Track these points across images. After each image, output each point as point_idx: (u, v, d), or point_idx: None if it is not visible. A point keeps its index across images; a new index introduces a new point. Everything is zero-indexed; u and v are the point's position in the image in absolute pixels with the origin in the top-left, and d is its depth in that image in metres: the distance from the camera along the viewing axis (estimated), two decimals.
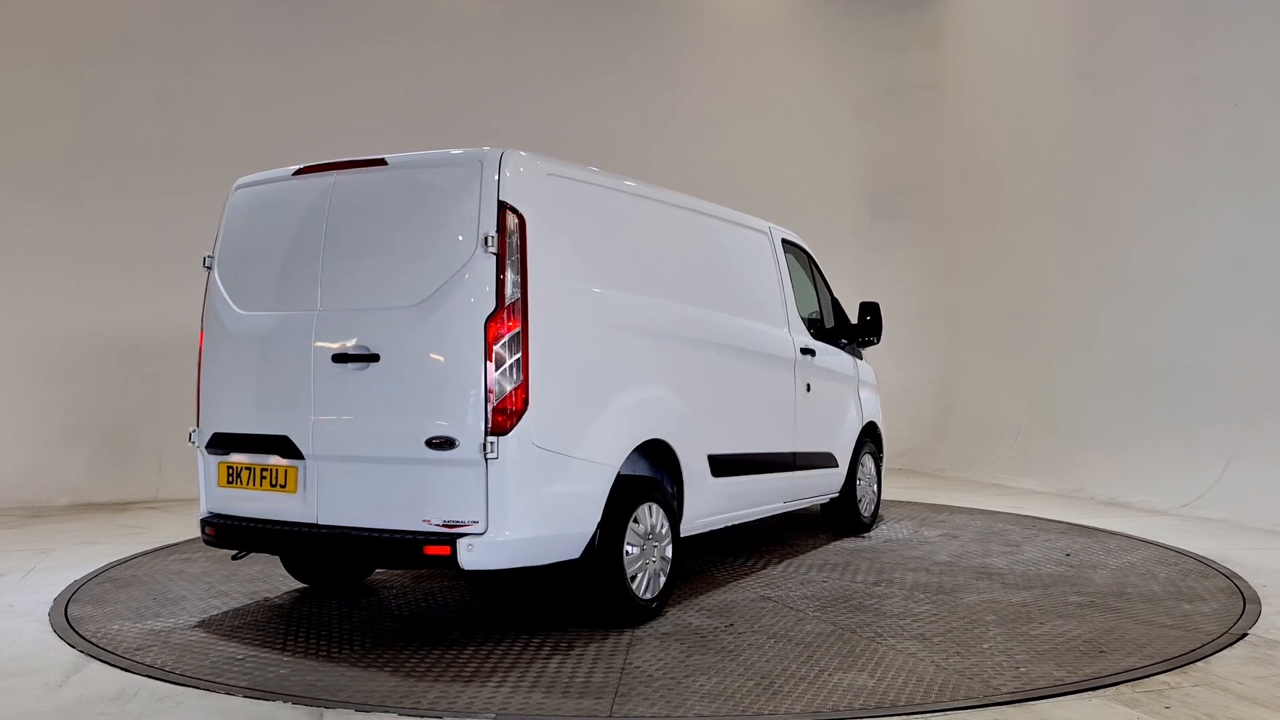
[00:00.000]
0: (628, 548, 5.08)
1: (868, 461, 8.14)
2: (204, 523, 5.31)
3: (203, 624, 5.35)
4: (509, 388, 4.52)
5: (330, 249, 4.99)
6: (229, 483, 5.20)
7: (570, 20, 12.06)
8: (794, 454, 6.92)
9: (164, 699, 4.19)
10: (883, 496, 8.82)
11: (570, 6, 12.06)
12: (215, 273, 5.41)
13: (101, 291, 9.96)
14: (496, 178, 4.68)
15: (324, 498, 4.87)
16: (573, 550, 4.86)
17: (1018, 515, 8.85)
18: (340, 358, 4.80)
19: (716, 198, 7.29)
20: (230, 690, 4.27)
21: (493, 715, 4.01)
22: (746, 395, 6.37)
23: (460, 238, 4.64)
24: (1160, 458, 9.75)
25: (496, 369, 4.52)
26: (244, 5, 10.70)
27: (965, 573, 6.44)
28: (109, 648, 4.89)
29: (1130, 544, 7.47)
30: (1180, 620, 5.25)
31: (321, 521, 4.87)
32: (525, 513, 4.57)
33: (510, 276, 4.57)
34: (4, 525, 8.46)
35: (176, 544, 7.53)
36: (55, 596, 5.93)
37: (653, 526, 5.26)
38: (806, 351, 7.07)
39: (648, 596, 5.22)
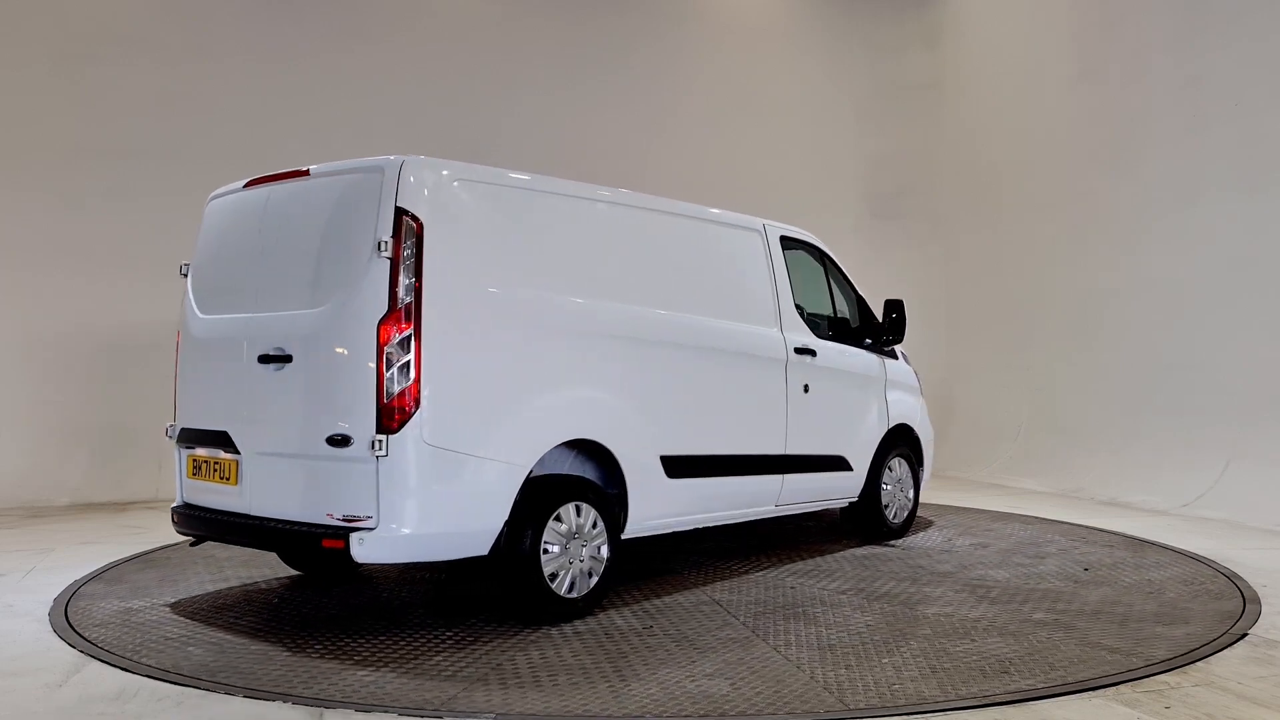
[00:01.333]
0: (546, 546, 5.17)
1: (898, 466, 7.85)
2: (173, 511, 5.72)
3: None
4: (399, 388, 4.69)
5: (263, 256, 5.35)
6: (194, 474, 5.60)
7: (570, 20, 12.06)
8: (786, 456, 6.77)
9: (164, 699, 4.19)
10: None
11: (570, 7, 12.06)
12: (189, 279, 5.84)
13: (101, 291, 9.96)
14: (396, 185, 4.85)
15: (254, 490, 5.20)
16: (479, 547, 4.99)
17: (1075, 526, 8.31)
18: (263, 358, 5.10)
19: (716, 197, 7.32)
20: (230, 690, 4.28)
21: (492, 715, 4.01)
22: (716, 395, 6.25)
23: (362, 243, 4.83)
24: (1160, 458, 9.75)
25: (388, 370, 4.69)
26: (244, 5, 10.70)
27: (952, 583, 6.23)
28: (109, 648, 4.89)
29: (1169, 559, 6.97)
30: (1132, 645, 4.87)
31: (252, 513, 5.20)
32: (417, 509, 4.74)
33: (403, 280, 4.75)
34: (4, 525, 8.46)
35: (176, 544, 7.53)
36: (55, 596, 5.93)
37: (579, 526, 5.33)
38: (804, 351, 6.89)
39: (571, 595, 5.30)
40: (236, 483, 5.28)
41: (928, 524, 8.47)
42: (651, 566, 6.79)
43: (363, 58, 11.08)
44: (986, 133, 12.66)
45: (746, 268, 6.77)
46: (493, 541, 5.02)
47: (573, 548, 5.32)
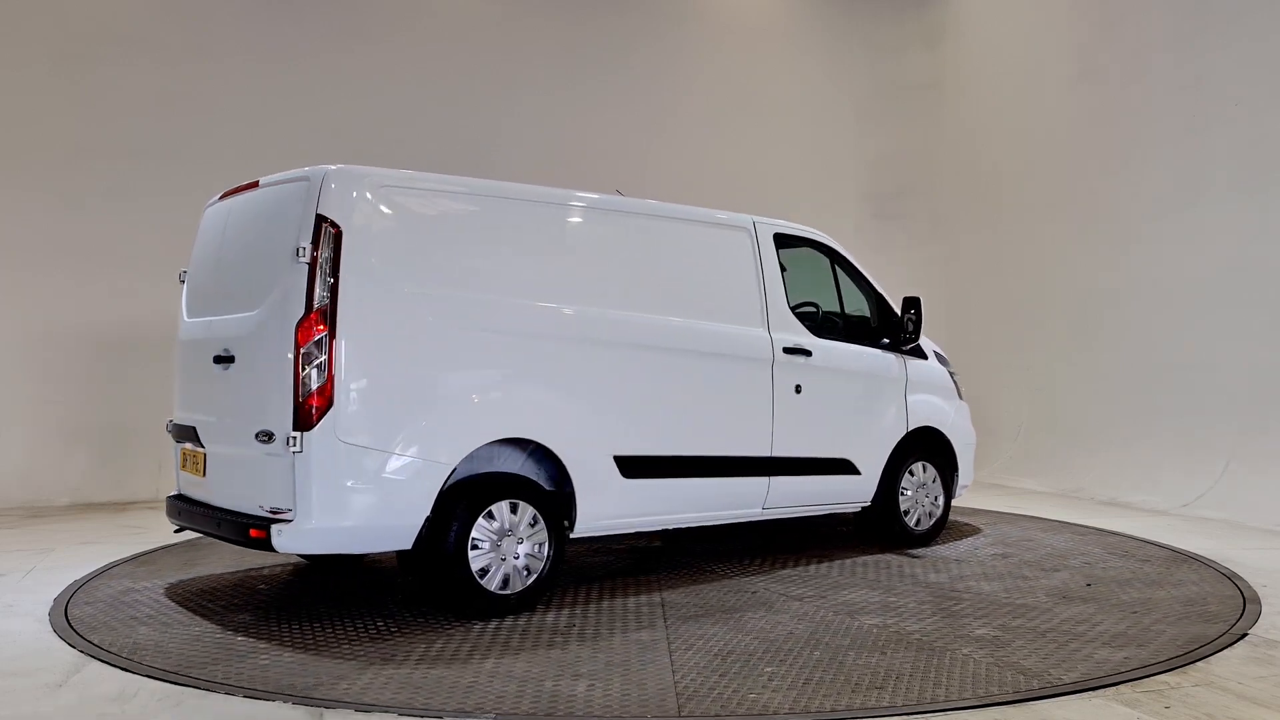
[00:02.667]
0: (476, 542, 5.29)
1: (921, 470, 7.54)
2: (167, 499, 6.06)
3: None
4: (313, 386, 4.92)
5: (224, 263, 5.80)
6: (183, 467, 6.01)
7: (570, 21, 12.05)
8: (772, 458, 6.63)
9: (164, 699, 4.20)
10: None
11: (570, 7, 12.06)
12: (185, 284, 6.22)
13: (102, 291, 9.95)
14: (318, 193, 5.11)
15: (215, 482, 5.59)
16: (401, 541, 5.19)
17: (1127, 538, 7.80)
18: (216, 359, 5.51)
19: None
20: (230, 690, 4.28)
21: (492, 715, 4.02)
22: (681, 395, 6.21)
23: (289, 250, 5.09)
24: (1160, 458, 9.75)
25: (304, 370, 4.94)
26: (244, 5, 10.70)
27: (926, 594, 5.99)
28: (109, 648, 4.89)
29: (1195, 578, 6.38)
30: (1049, 666, 4.56)
31: (213, 503, 5.57)
32: (331, 503, 4.96)
33: (320, 284, 4.99)
34: (4, 525, 8.47)
35: (176, 544, 7.53)
36: (55, 596, 5.93)
37: (513, 524, 5.43)
38: (795, 351, 6.73)
39: (504, 592, 5.40)
40: (204, 475, 5.67)
41: (973, 531, 8.15)
42: (632, 565, 6.79)
43: (362, 58, 11.07)
44: (987, 133, 12.66)
45: (727, 266, 6.65)
46: (414, 536, 5.17)
47: (505, 544, 5.41)
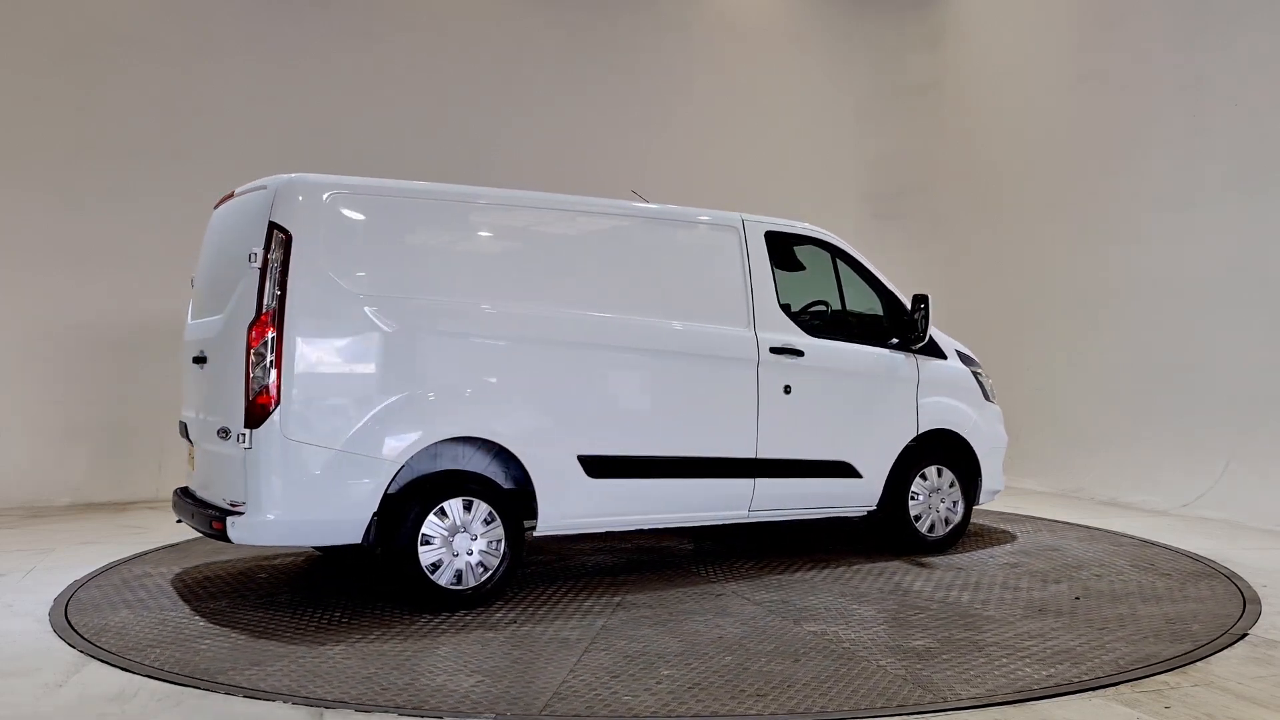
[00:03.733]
0: (427, 538, 5.45)
1: (936, 474, 7.27)
2: (174, 492, 6.22)
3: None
4: (261, 386, 5.16)
5: (211, 267, 6.07)
6: (187, 461, 6.21)
7: (572, 23, 12.05)
8: (758, 460, 6.52)
9: (164, 699, 4.20)
10: None
11: (572, 10, 12.05)
12: (194, 286, 6.41)
13: (102, 291, 9.95)
14: (273, 201, 5.37)
15: (198, 476, 5.93)
16: (349, 535, 5.39)
17: (1165, 549, 7.39)
18: (194, 359, 5.85)
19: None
20: (230, 690, 4.28)
21: (492, 716, 4.02)
22: (653, 396, 6.24)
23: (247, 254, 5.36)
24: (1160, 458, 9.75)
25: (253, 370, 5.19)
26: (245, 5, 10.70)
27: (894, 601, 5.85)
28: (109, 648, 4.90)
29: (1197, 594, 5.95)
30: (924, 678, 4.43)
31: (197, 496, 5.89)
32: (278, 497, 5.19)
33: (269, 288, 5.23)
34: (4, 525, 8.47)
35: (177, 544, 7.53)
36: (55, 596, 5.93)
37: (465, 521, 5.54)
38: (784, 351, 6.61)
39: (457, 587, 5.53)
40: (194, 470, 6.03)
41: (1005, 538, 7.85)
42: (623, 565, 6.80)
43: (365, 58, 11.07)
44: (987, 133, 12.66)
45: (709, 266, 6.61)
46: (362, 532, 5.38)
47: (457, 541, 5.53)
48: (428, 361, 5.54)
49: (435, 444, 5.51)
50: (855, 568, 6.81)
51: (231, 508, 5.30)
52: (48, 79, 9.90)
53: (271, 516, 5.20)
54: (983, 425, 7.54)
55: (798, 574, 6.61)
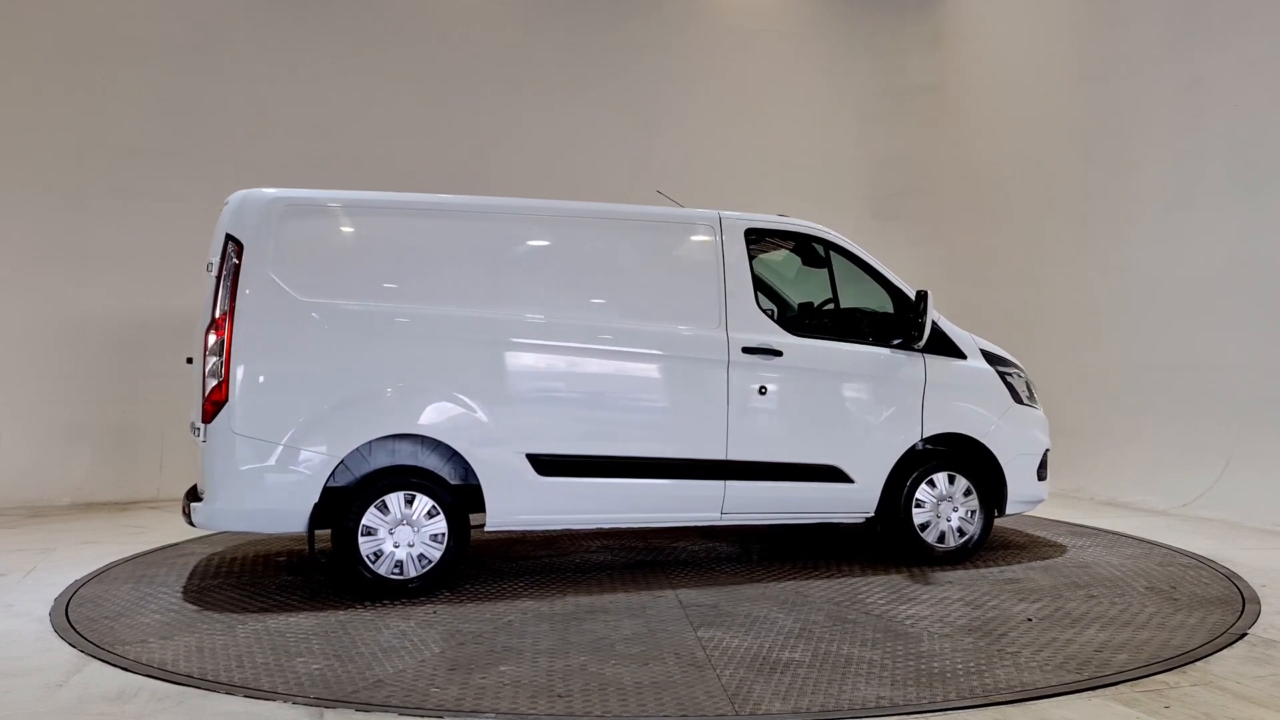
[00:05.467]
0: (369, 529, 5.78)
1: (946, 482, 6.85)
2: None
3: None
4: (213, 384, 5.63)
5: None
6: None
7: (574, 26, 12.05)
8: (728, 462, 6.36)
9: (164, 699, 4.20)
10: None
11: (574, 13, 12.06)
12: None
13: (104, 291, 9.96)
14: (230, 214, 5.84)
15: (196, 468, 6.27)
16: (293, 524, 5.77)
17: (1197, 559, 6.99)
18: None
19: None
20: (230, 690, 4.29)
21: (492, 715, 4.02)
22: (610, 395, 6.25)
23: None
24: (1160, 458, 9.75)
25: (208, 369, 5.66)
26: (247, 9, 10.71)
27: (820, 614, 5.52)
28: (109, 648, 4.90)
29: (1181, 621, 5.32)
30: (849, 689, 4.26)
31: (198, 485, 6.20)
32: (226, 487, 5.66)
33: (221, 295, 5.68)
34: (6, 524, 8.48)
35: (177, 543, 7.54)
36: (56, 596, 5.94)
37: (406, 514, 5.82)
38: (759, 351, 6.44)
39: (397, 576, 5.82)
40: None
41: (1054, 550, 7.31)
42: (601, 564, 6.80)
43: (367, 59, 11.08)
44: (987, 134, 12.67)
45: (680, 265, 6.56)
46: (305, 521, 5.74)
47: (399, 534, 5.80)
48: (366, 362, 5.83)
49: (374, 440, 5.82)
50: (847, 581, 6.38)
51: (200, 495, 5.84)
52: (49, 80, 9.91)
53: (222, 505, 5.67)
54: (1007, 429, 7.05)
55: (775, 585, 6.30)
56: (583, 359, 6.19)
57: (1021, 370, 7.45)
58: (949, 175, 13.27)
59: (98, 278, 9.95)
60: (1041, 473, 7.33)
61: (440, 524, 5.88)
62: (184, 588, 6.19)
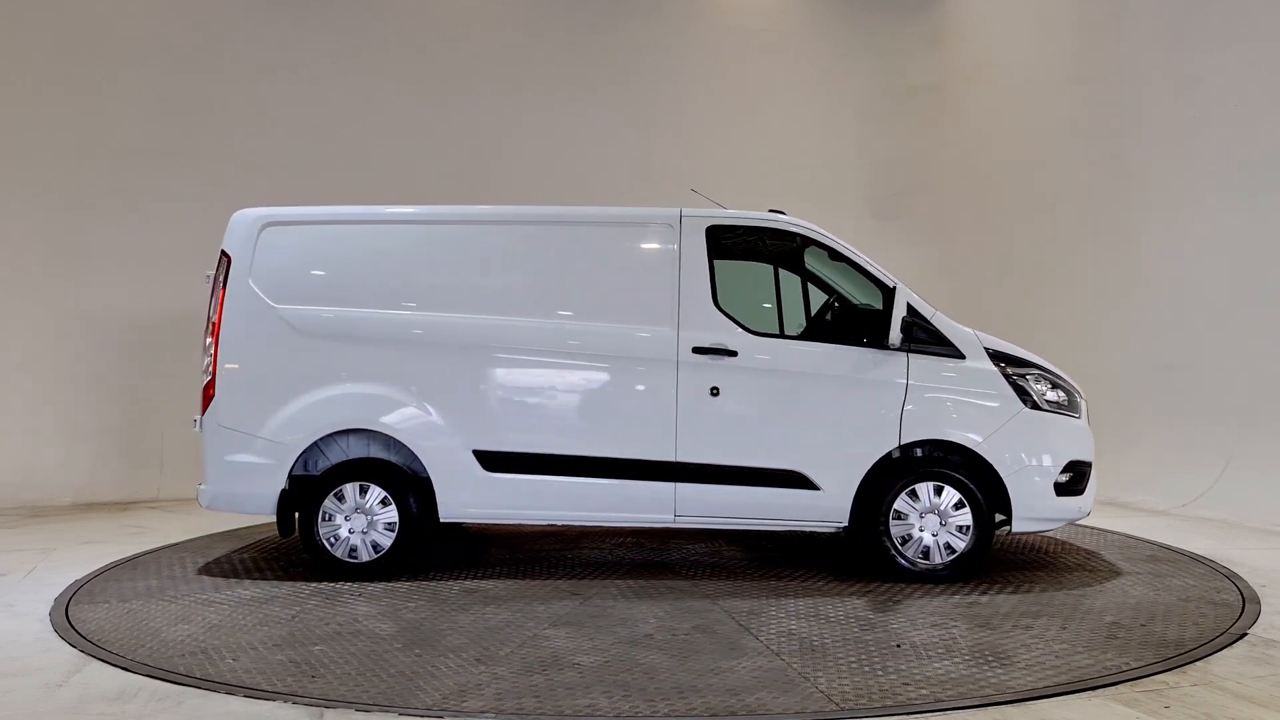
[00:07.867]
0: (327, 515, 6.38)
1: (929, 494, 6.29)
2: None
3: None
4: (204, 382, 6.46)
5: None
6: None
7: (574, 27, 12.06)
8: (678, 464, 6.26)
9: (164, 699, 4.20)
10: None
11: (574, 14, 12.07)
12: None
13: (105, 291, 9.97)
14: (227, 230, 6.61)
15: None
16: (264, 508, 6.41)
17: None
18: None
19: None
20: (230, 690, 4.29)
21: (492, 715, 4.02)
22: (554, 395, 6.43)
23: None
24: (1159, 458, 9.75)
25: (204, 369, 6.48)
26: (247, 6, 10.71)
27: (733, 629, 5.17)
28: (109, 648, 4.90)
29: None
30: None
31: None
32: (215, 473, 6.40)
33: (213, 303, 6.50)
34: (6, 524, 8.48)
35: (178, 543, 7.54)
36: (56, 596, 5.95)
37: (361, 503, 6.39)
38: (711, 351, 6.27)
39: (353, 560, 6.39)
40: None
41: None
42: (580, 565, 6.80)
43: (367, 60, 11.09)
44: (987, 134, 12.67)
45: (633, 264, 6.57)
46: (274, 505, 6.38)
47: (353, 520, 6.38)
48: (331, 364, 6.41)
49: (334, 434, 6.40)
50: (834, 591, 6.06)
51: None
52: (49, 80, 9.92)
53: (214, 488, 6.41)
54: (1010, 437, 6.34)
55: (708, 583, 6.22)
56: (532, 359, 6.46)
57: (1047, 372, 6.80)
58: (949, 175, 13.27)
59: (98, 278, 9.95)
60: (1071, 486, 6.44)
61: (392, 514, 6.40)
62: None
